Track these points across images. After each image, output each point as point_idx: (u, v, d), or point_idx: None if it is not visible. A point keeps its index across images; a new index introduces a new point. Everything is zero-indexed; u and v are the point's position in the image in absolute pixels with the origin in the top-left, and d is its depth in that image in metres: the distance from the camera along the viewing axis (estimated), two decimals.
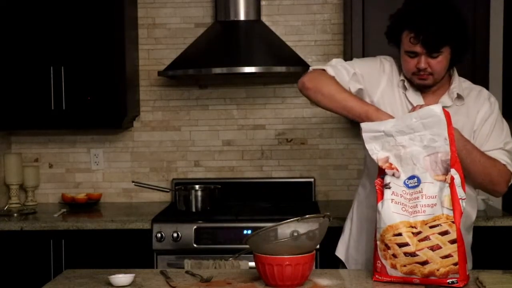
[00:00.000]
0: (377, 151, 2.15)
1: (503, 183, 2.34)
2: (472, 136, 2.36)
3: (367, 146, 2.16)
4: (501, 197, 3.96)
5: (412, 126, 2.10)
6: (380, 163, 2.14)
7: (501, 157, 2.34)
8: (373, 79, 2.42)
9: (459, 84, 2.40)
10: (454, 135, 2.10)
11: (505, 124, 2.43)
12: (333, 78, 2.38)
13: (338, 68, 2.42)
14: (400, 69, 2.41)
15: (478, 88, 2.46)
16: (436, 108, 2.09)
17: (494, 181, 2.33)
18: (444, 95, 2.38)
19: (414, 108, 2.19)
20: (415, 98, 2.37)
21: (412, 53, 2.27)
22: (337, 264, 2.66)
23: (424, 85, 2.34)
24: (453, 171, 2.06)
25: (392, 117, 2.19)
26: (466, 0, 3.59)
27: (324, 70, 2.42)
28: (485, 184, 2.35)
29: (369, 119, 2.20)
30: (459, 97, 2.38)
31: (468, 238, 2.45)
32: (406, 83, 2.38)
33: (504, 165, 2.33)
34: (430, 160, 2.08)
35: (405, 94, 2.38)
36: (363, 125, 2.17)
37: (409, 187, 2.09)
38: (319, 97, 2.35)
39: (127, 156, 4.12)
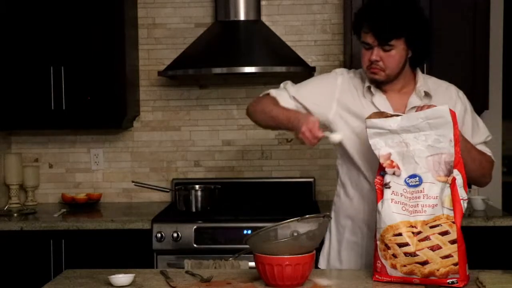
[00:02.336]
0: (380, 147, 2.14)
1: (491, 174, 2.43)
2: None
3: (371, 141, 2.15)
4: (501, 199, 3.99)
5: (418, 126, 2.10)
6: (381, 160, 2.13)
7: (485, 149, 2.41)
8: (323, 103, 2.43)
9: (425, 82, 2.41)
10: (459, 135, 2.10)
11: (478, 117, 2.49)
12: (273, 98, 2.44)
13: (280, 92, 2.47)
14: (360, 78, 2.44)
15: (444, 83, 2.48)
16: (444, 109, 2.09)
17: (486, 174, 2.40)
18: (412, 95, 2.38)
19: (421, 108, 2.18)
20: (381, 102, 2.38)
21: (366, 44, 2.30)
22: None
23: (375, 80, 2.35)
24: (455, 172, 2.06)
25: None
26: (466, 0, 3.60)
27: (268, 94, 2.49)
28: (478, 178, 2.39)
29: (291, 123, 2.28)
30: (427, 95, 2.39)
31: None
32: (372, 88, 2.39)
33: (490, 155, 2.40)
34: (433, 160, 2.08)
35: (372, 101, 2.38)
36: (368, 122, 2.17)
37: (409, 186, 2.09)
38: (255, 115, 2.47)
39: (127, 156, 4.12)
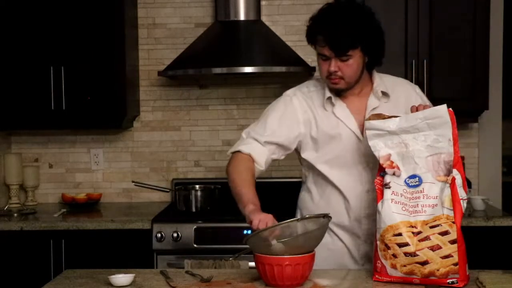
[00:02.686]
0: (379, 148, 2.15)
1: None
2: None
3: (370, 142, 2.16)
4: (501, 199, 3.99)
5: (417, 126, 2.10)
6: (381, 161, 2.14)
7: None
8: (293, 132, 2.42)
9: (382, 81, 2.42)
10: (457, 134, 2.10)
11: None
12: (246, 158, 2.41)
13: (252, 146, 2.42)
14: (319, 90, 2.43)
15: (400, 80, 2.51)
16: (442, 109, 2.09)
17: None
18: (370, 97, 2.39)
19: (417, 108, 2.18)
20: (342, 111, 2.38)
21: (323, 56, 2.30)
22: None
23: (336, 89, 2.36)
24: (454, 172, 2.07)
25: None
26: (466, 0, 3.60)
27: (239, 151, 2.42)
28: None
29: (244, 214, 2.26)
30: (385, 94, 2.40)
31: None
32: (333, 99, 2.39)
33: None
34: (433, 160, 2.08)
35: (333, 112, 2.39)
36: (367, 123, 2.17)
37: (409, 186, 2.09)
38: (229, 181, 2.46)
39: (127, 156, 4.12)
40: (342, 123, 2.37)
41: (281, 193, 3.97)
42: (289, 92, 2.49)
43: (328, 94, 2.39)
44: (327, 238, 2.37)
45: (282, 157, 2.49)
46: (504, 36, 3.97)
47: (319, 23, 2.31)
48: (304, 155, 2.45)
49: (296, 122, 2.42)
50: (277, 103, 2.48)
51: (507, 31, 4.01)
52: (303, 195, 2.57)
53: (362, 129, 2.34)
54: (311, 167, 2.46)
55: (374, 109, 2.35)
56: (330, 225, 2.35)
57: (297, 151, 2.49)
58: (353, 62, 2.29)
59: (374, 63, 2.37)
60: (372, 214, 2.32)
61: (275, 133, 2.41)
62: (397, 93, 2.41)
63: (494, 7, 3.74)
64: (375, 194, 2.19)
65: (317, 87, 2.45)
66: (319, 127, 2.40)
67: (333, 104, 2.39)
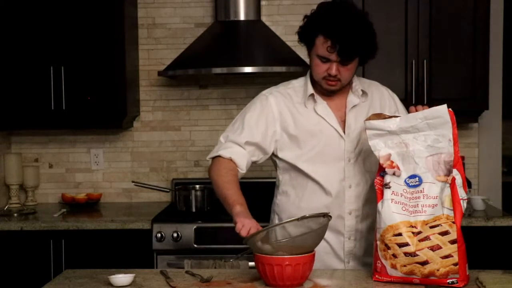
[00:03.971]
0: (379, 148, 2.15)
1: None
2: None
3: (370, 142, 2.16)
4: (501, 199, 3.99)
5: (417, 127, 2.10)
6: (381, 161, 2.14)
7: None
8: (269, 132, 2.42)
9: (360, 82, 2.45)
10: (457, 135, 2.10)
11: None
12: (227, 162, 2.42)
13: (232, 150, 2.42)
14: (301, 87, 2.43)
15: (374, 83, 2.53)
16: (442, 109, 2.09)
17: None
18: (350, 95, 2.41)
19: (416, 109, 2.18)
20: (323, 109, 2.39)
21: (325, 58, 2.30)
22: None
23: (331, 90, 2.37)
24: (455, 172, 2.07)
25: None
26: (466, 0, 3.60)
27: (219, 156, 2.43)
28: None
29: (230, 212, 2.28)
30: (364, 93, 2.42)
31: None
32: (316, 96, 2.39)
33: None
34: (433, 160, 2.08)
35: (314, 109, 2.39)
36: (367, 124, 2.18)
37: (409, 186, 2.09)
38: (212, 184, 2.47)
39: (127, 156, 4.12)
40: (323, 120, 2.38)
41: None
42: (265, 91, 2.49)
43: (311, 91, 2.40)
44: None
45: (261, 160, 2.48)
46: (504, 36, 3.97)
47: (324, 25, 2.28)
48: (282, 154, 2.44)
49: (272, 120, 2.41)
50: (253, 103, 2.48)
51: (507, 31, 4.01)
52: (280, 200, 2.55)
53: (343, 125, 2.38)
54: (290, 168, 2.45)
55: (354, 106, 2.39)
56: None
57: (274, 154, 2.47)
58: (352, 66, 2.32)
59: (361, 64, 2.40)
60: (355, 210, 2.38)
61: (253, 132, 2.41)
62: (372, 93, 2.45)
63: (494, 7, 3.74)
64: (358, 189, 2.27)
65: (295, 86, 2.46)
66: (299, 124, 2.40)
67: (315, 101, 2.39)
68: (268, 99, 2.44)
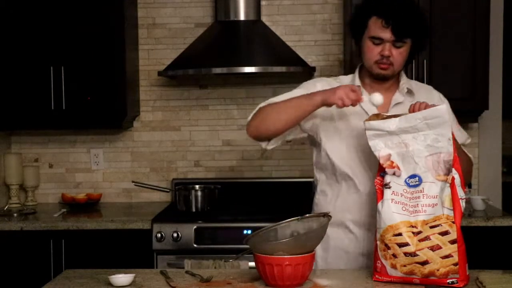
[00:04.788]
0: (380, 148, 2.15)
1: (472, 173, 2.52)
2: None
3: (370, 143, 2.16)
4: (501, 199, 3.99)
5: (417, 127, 2.10)
6: (381, 161, 2.14)
7: (466, 151, 2.43)
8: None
9: (408, 81, 2.45)
10: (455, 135, 2.10)
11: (456, 119, 2.49)
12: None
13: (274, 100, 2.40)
14: (348, 81, 2.42)
15: (426, 86, 2.54)
16: (441, 108, 2.09)
17: (470, 173, 2.46)
18: (396, 93, 2.41)
19: (414, 106, 2.18)
20: (367, 104, 2.35)
21: (378, 39, 2.29)
22: None
23: (383, 75, 2.35)
24: (453, 171, 2.07)
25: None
26: (466, 0, 3.60)
27: (261, 107, 2.39)
28: (464, 177, 2.39)
29: (321, 96, 2.23)
30: (410, 92, 2.41)
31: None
32: (362, 89, 2.38)
33: (471, 157, 2.44)
34: (432, 160, 2.08)
35: (359, 103, 2.34)
36: (367, 124, 2.17)
37: (410, 186, 2.09)
38: (264, 124, 2.34)
39: (127, 156, 4.12)
40: (366, 115, 2.33)
41: (281, 193, 3.98)
42: (317, 78, 2.51)
43: (358, 82, 2.39)
44: (344, 238, 2.41)
45: (293, 136, 2.44)
46: (504, 36, 3.97)
47: (378, 5, 2.29)
48: (323, 142, 2.41)
49: None
50: (299, 86, 2.48)
51: (507, 31, 4.01)
52: (318, 199, 2.54)
53: None
54: (325, 165, 2.44)
55: (397, 104, 2.37)
56: (348, 223, 2.38)
57: (313, 141, 2.46)
58: (404, 51, 2.31)
59: (411, 57, 2.38)
60: None
61: None
62: (421, 95, 2.41)
63: (494, 7, 3.74)
64: None
65: (343, 80, 2.45)
66: (342, 116, 2.38)
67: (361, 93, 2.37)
68: (315, 83, 2.44)
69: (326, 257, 2.49)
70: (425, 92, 2.46)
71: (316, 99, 2.24)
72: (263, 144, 2.42)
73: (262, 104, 2.40)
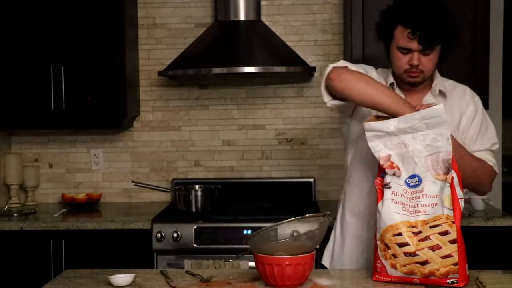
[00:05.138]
0: (379, 149, 2.15)
1: (489, 183, 2.40)
2: (458, 135, 2.36)
3: (370, 144, 2.16)
4: (501, 199, 3.99)
5: (415, 127, 2.10)
6: (381, 162, 2.14)
7: (488, 157, 2.38)
8: None
9: (441, 81, 2.42)
10: (453, 135, 2.10)
11: (490, 123, 2.45)
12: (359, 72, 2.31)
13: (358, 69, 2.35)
14: (384, 75, 2.42)
15: (461, 86, 2.48)
16: (439, 108, 2.09)
17: (482, 182, 2.37)
18: (427, 94, 2.39)
19: (414, 107, 2.18)
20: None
21: (405, 49, 2.27)
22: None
23: (414, 83, 2.34)
24: (451, 171, 2.07)
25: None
26: (466, 0, 3.60)
27: (346, 67, 2.32)
28: (473, 185, 2.38)
29: (395, 109, 2.14)
30: (442, 94, 2.39)
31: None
32: (395, 85, 2.38)
33: (491, 166, 2.37)
34: (432, 159, 2.08)
35: None
36: (366, 125, 2.17)
37: (410, 186, 2.09)
38: (348, 91, 2.23)
39: (127, 156, 4.12)
40: None
41: (281, 193, 3.98)
42: (369, 66, 2.45)
43: (391, 80, 2.38)
44: (362, 227, 2.43)
45: (344, 110, 2.41)
46: (504, 36, 3.97)
47: (403, 15, 2.25)
48: (353, 124, 2.41)
49: None
50: (367, 66, 2.43)
51: (507, 31, 4.01)
52: (346, 194, 2.56)
53: None
54: (355, 160, 2.45)
55: (428, 105, 2.32)
56: (366, 214, 2.39)
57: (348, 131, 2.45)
58: (434, 57, 2.28)
59: (442, 59, 2.35)
60: None
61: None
62: (453, 96, 2.40)
63: (494, 7, 3.74)
64: None
65: (381, 72, 2.43)
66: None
67: (394, 90, 2.36)
68: (372, 73, 2.40)
69: (343, 244, 2.53)
70: (458, 93, 2.42)
71: (400, 109, 2.13)
72: (327, 99, 2.32)
73: (352, 67, 2.30)
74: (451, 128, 2.32)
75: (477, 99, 2.45)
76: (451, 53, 2.35)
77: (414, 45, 2.24)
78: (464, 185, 2.32)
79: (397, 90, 2.37)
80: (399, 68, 2.32)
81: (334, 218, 2.58)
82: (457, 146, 2.22)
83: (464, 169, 2.19)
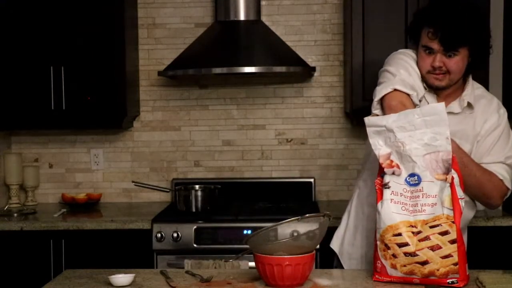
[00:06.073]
0: (380, 146, 2.14)
1: (497, 197, 2.34)
2: (475, 145, 2.35)
3: (371, 140, 2.15)
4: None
5: (414, 123, 2.09)
6: (381, 160, 2.13)
7: (500, 171, 2.33)
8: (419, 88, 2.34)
9: (472, 91, 2.37)
10: (456, 146, 2.10)
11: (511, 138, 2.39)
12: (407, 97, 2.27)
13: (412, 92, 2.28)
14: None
15: (489, 96, 2.44)
16: (439, 106, 2.09)
17: (488, 194, 2.33)
18: (455, 101, 2.36)
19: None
20: (431, 99, 2.35)
21: (429, 49, 2.27)
22: (332, 256, 2.67)
23: (437, 86, 2.31)
24: (452, 171, 2.06)
25: None
26: (466, 0, 3.59)
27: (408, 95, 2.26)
28: (479, 197, 2.36)
29: None
30: (469, 105, 2.36)
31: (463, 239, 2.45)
32: (424, 85, 2.36)
33: (500, 180, 2.32)
34: (430, 158, 2.07)
35: (424, 95, 2.35)
36: (366, 120, 2.17)
37: (410, 185, 2.09)
38: None
39: (127, 156, 4.12)
40: None
41: (281, 193, 3.98)
42: (405, 51, 2.39)
43: (422, 91, 2.33)
44: (374, 218, 2.40)
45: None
46: (504, 36, 3.96)
47: (428, 15, 2.26)
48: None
49: (418, 82, 2.32)
50: (397, 59, 2.36)
51: (507, 31, 4.01)
52: (358, 194, 2.58)
53: None
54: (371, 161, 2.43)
55: (450, 113, 2.29)
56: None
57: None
58: (459, 60, 2.26)
59: (472, 67, 2.31)
60: None
61: (416, 84, 2.30)
62: (479, 105, 2.37)
63: (494, 7, 3.74)
64: None
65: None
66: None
67: (425, 89, 2.34)
68: (411, 65, 2.35)
69: (355, 233, 2.55)
70: (484, 103, 2.38)
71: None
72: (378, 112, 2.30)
73: (401, 88, 2.25)
74: (471, 140, 2.32)
75: (503, 111, 2.40)
76: (482, 59, 2.31)
77: (435, 45, 2.24)
78: (469, 196, 2.32)
79: (429, 93, 2.33)
80: (423, 69, 2.31)
81: (334, 217, 2.57)
82: (460, 153, 2.20)
83: (467, 178, 2.18)
